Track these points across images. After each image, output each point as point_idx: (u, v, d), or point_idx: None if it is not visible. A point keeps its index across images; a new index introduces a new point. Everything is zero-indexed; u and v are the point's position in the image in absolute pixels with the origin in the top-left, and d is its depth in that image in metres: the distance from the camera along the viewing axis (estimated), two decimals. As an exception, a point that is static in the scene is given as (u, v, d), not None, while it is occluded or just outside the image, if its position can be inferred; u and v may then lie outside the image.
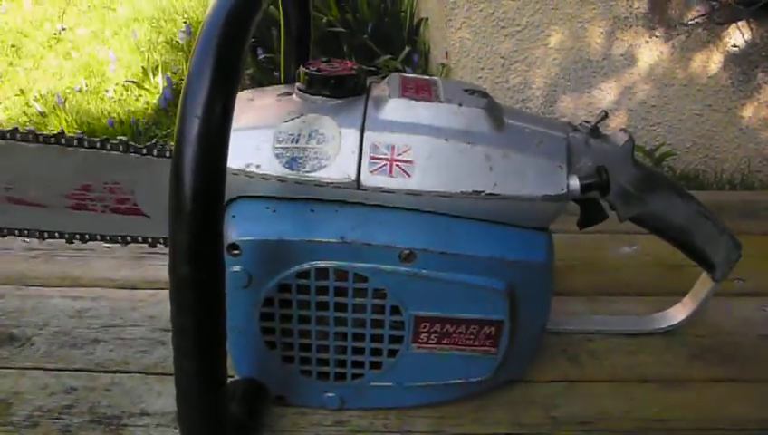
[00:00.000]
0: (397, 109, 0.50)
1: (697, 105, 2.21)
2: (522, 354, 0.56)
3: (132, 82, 2.65)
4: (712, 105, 2.20)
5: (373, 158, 0.49)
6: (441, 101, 0.51)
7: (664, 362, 0.65)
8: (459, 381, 0.55)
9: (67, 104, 2.52)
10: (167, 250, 0.64)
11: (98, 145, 0.63)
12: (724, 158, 2.29)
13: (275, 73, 2.30)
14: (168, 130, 2.26)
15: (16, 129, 0.63)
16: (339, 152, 0.49)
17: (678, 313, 0.67)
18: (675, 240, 0.62)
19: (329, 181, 0.48)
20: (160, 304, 0.71)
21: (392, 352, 0.53)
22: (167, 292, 0.73)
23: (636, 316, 0.69)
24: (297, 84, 0.53)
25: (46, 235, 0.66)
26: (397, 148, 0.49)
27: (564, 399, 0.60)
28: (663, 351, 0.66)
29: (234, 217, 0.50)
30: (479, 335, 0.52)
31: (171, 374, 0.60)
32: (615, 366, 0.64)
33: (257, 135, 0.50)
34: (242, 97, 0.55)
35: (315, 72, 0.51)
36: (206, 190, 0.37)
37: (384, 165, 0.49)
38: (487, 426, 0.56)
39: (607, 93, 2.21)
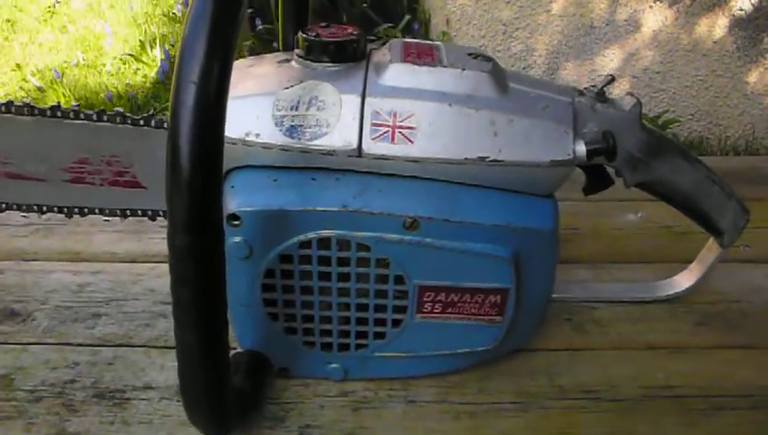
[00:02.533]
0: (398, 74, 0.49)
1: (702, 71, 2.18)
2: (527, 323, 0.55)
3: (130, 55, 2.62)
4: (717, 71, 2.17)
5: (375, 124, 0.47)
6: (444, 66, 0.49)
7: (670, 330, 0.64)
8: (464, 350, 0.54)
9: (64, 79, 2.49)
10: (166, 223, 0.64)
11: (94, 117, 0.62)
12: (728, 124, 2.27)
13: (274, 44, 2.27)
14: (167, 104, 2.24)
15: (11, 102, 0.61)
16: (339, 119, 0.48)
17: (685, 279, 0.66)
18: (682, 206, 0.61)
19: (330, 149, 0.47)
20: (161, 278, 0.70)
21: (396, 323, 0.52)
22: (167, 266, 0.73)
23: (641, 284, 0.69)
24: (296, 51, 0.51)
25: (45, 209, 0.66)
26: (399, 114, 0.48)
27: (569, 367, 0.59)
28: (669, 318, 0.66)
29: (233, 187, 0.49)
30: (484, 304, 0.51)
31: (174, 347, 0.60)
32: (620, 334, 0.64)
33: (256, 103, 0.49)
34: (240, 65, 0.53)
35: (314, 38, 0.50)
36: (204, 157, 0.35)
37: (386, 132, 0.47)
38: (492, 395, 0.56)
39: (610, 60, 2.18)
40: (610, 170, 0.57)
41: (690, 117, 2.26)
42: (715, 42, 2.13)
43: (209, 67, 0.35)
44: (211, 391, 0.43)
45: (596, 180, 0.58)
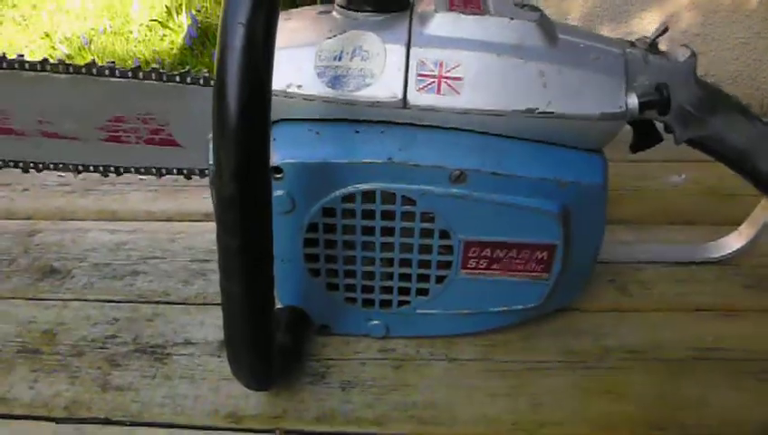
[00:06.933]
0: (444, 23, 0.47)
1: (744, 33, 2.10)
2: (573, 281, 0.54)
3: (156, 21, 2.61)
4: (760, 32, 2.09)
5: (420, 75, 0.46)
6: (491, 15, 0.48)
7: (717, 292, 0.63)
8: (508, 308, 0.53)
9: (92, 46, 2.49)
10: (202, 181, 0.64)
11: (130, 75, 0.61)
12: (770, 89, 2.20)
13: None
14: (195, 70, 2.23)
15: (46, 59, 0.61)
16: (384, 70, 0.46)
17: (734, 241, 0.64)
18: (734, 164, 0.58)
19: (374, 100, 0.46)
20: (198, 236, 0.70)
21: (440, 279, 0.51)
22: (204, 223, 0.73)
23: (689, 245, 0.67)
24: (337, 1, 0.50)
25: (81, 169, 0.65)
26: (445, 64, 0.46)
27: (614, 328, 0.58)
28: (716, 280, 0.64)
29: (275, 140, 0.48)
30: (530, 260, 0.50)
31: (212, 304, 0.60)
32: (665, 295, 0.62)
33: (297, 54, 0.47)
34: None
35: (357, -13, 0.48)
36: (252, 101, 0.34)
37: (432, 82, 0.46)
38: (536, 353, 0.55)
39: (647, 23, 2.11)
40: (659, 126, 0.55)
41: (730, 81, 2.19)
42: (760, 1, 2.05)
43: (257, 7, 0.33)
44: (257, 343, 0.42)
45: (644, 137, 0.56)
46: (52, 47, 2.57)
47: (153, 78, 0.61)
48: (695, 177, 0.81)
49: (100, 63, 0.61)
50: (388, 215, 0.48)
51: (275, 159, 0.46)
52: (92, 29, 2.66)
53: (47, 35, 2.65)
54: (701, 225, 0.72)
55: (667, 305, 0.61)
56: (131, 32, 2.61)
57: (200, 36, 2.41)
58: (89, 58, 2.38)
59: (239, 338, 0.42)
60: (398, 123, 0.47)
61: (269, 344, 0.43)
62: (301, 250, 0.50)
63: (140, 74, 0.61)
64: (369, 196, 0.47)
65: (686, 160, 0.81)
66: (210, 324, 0.58)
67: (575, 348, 0.56)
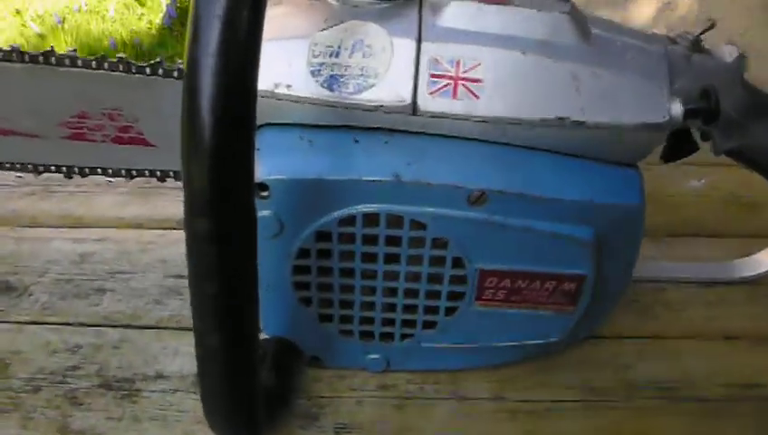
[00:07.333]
0: (461, 14, 0.40)
1: (744, 21, 2.05)
2: (600, 311, 0.48)
3: (133, -1, 2.50)
4: (760, 19, 2.04)
5: (433, 75, 0.39)
6: (515, 5, 0.41)
7: (750, 316, 0.57)
8: (525, 342, 0.47)
9: (66, 24, 2.38)
10: (177, 184, 0.57)
11: (94, 65, 0.54)
12: None
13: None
14: (173, 52, 2.14)
15: (-2, 47, 0.53)
16: (390, 69, 0.39)
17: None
18: (774, 176, 0.52)
19: (378, 105, 0.39)
20: (172, 246, 0.63)
21: (450, 311, 0.45)
22: (179, 232, 0.65)
23: (717, 263, 0.60)
24: (333, -16, 0.42)
25: (42, 168, 0.58)
26: (463, 63, 0.39)
27: (640, 359, 0.52)
28: (747, 302, 0.58)
29: (259, 150, 0.40)
30: (555, 292, 0.43)
31: (188, 329, 0.53)
32: (694, 320, 0.56)
33: (287, 48, 0.40)
34: (264, 3, 0.45)
35: (356, -31, 0.41)
36: (231, 120, 0.27)
37: (447, 84, 0.39)
38: (554, 390, 0.49)
39: (644, 10, 2.05)
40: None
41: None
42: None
43: (239, -4, 0.26)
44: (238, 403, 0.35)
45: (678, 145, 0.49)
46: (23, 25, 2.46)
47: (121, 69, 0.54)
48: (713, 182, 0.75)
49: (59, 52, 0.54)
50: (393, 240, 0.41)
51: (260, 173, 0.39)
52: (66, 7, 2.54)
53: (18, 12, 2.54)
54: (727, 237, 0.66)
55: (697, 332, 0.55)
56: (107, 10, 2.50)
57: (180, 16, 2.31)
58: (61, 37, 2.28)
59: (217, 398, 0.35)
60: (406, 132, 0.40)
61: (253, 403, 0.36)
62: (289, 278, 0.43)
63: (106, 64, 0.54)
64: (371, 219, 0.40)
65: (704, 164, 0.75)
66: (185, 353, 0.51)
67: (596, 384, 0.50)
